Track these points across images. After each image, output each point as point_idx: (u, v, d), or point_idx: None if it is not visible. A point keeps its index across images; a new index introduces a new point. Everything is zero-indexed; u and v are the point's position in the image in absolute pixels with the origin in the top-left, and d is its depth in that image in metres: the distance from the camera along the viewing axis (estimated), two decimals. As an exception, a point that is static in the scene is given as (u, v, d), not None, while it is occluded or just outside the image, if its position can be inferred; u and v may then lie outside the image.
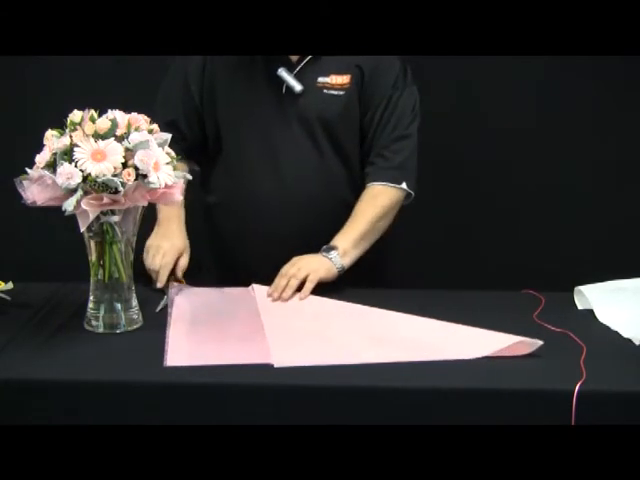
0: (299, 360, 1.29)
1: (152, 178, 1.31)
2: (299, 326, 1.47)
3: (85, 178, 1.27)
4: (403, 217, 1.87)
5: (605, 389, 1.22)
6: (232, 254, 1.89)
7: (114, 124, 1.31)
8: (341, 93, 1.78)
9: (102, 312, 1.42)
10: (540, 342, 1.32)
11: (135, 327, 1.44)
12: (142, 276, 1.69)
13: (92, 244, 1.40)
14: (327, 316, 1.53)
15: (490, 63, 2.16)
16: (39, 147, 1.33)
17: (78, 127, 1.30)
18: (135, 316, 1.45)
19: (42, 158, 1.32)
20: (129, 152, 1.30)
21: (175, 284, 1.69)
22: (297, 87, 1.75)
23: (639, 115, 2.34)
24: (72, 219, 1.33)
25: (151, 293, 1.64)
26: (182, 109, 1.83)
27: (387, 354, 1.32)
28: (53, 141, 1.31)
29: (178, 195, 1.39)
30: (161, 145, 1.36)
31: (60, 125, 1.33)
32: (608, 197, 2.38)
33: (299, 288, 1.62)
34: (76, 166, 1.27)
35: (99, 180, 1.27)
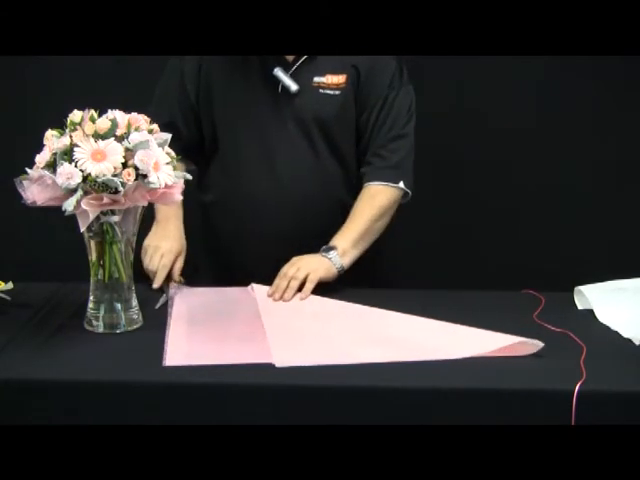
0: (300, 360, 1.29)
1: (152, 178, 1.31)
2: (300, 326, 1.47)
3: (85, 178, 1.27)
4: (403, 217, 1.87)
5: (605, 389, 1.22)
6: (228, 254, 1.89)
7: (114, 124, 1.31)
8: (337, 93, 1.78)
9: (102, 312, 1.42)
10: (541, 344, 1.32)
11: (135, 327, 1.44)
12: (142, 276, 1.69)
13: (92, 244, 1.40)
14: (328, 316, 1.53)
15: (490, 63, 2.16)
16: (39, 147, 1.33)
17: (78, 127, 1.30)
18: (135, 316, 1.45)
19: (42, 158, 1.32)
20: (129, 152, 1.30)
21: (174, 284, 1.69)
22: (293, 87, 1.75)
23: (639, 115, 2.34)
24: (72, 219, 1.33)
25: (151, 293, 1.64)
26: (178, 109, 1.83)
27: (387, 354, 1.32)
28: (53, 141, 1.31)
29: (178, 195, 1.39)
30: (161, 145, 1.36)
31: (60, 125, 1.33)
32: (608, 197, 2.38)
33: (299, 288, 1.62)
34: (76, 166, 1.27)
35: (99, 180, 1.27)
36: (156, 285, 1.67)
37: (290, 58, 1.77)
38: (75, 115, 1.32)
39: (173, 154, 1.38)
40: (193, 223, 1.88)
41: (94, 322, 1.42)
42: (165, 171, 1.33)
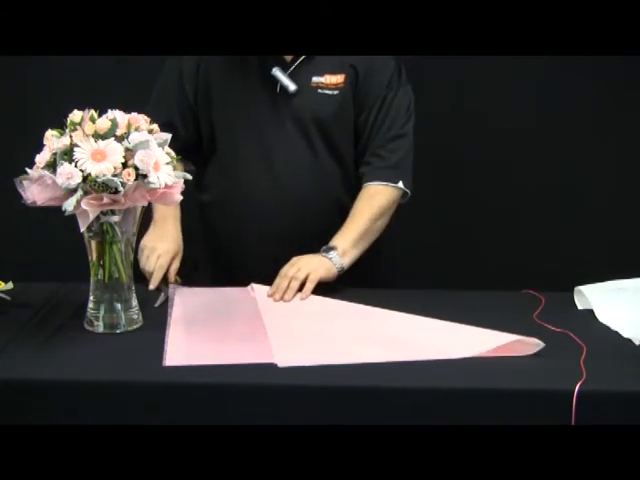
0: (302, 360, 1.29)
1: (152, 178, 1.31)
2: (301, 326, 1.47)
3: (85, 178, 1.27)
4: (403, 217, 1.87)
5: (605, 389, 1.22)
6: (227, 253, 1.89)
7: (114, 124, 1.31)
8: (335, 93, 1.78)
9: (102, 312, 1.42)
10: (541, 343, 1.32)
11: (135, 327, 1.44)
12: (142, 276, 1.69)
13: (92, 244, 1.40)
14: (328, 316, 1.53)
15: (490, 63, 2.16)
16: (39, 147, 1.33)
17: (78, 127, 1.30)
18: (135, 316, 1.45)
19: (42, 158, 1.32)
20: (129, 152, 1.30)
21: (172, 285, 1.69)
22: (291, 87, 1.75)
23: (639, 115, 2.34)
24: (72, 219, 1.33)
25: (151, 293, 1.64)
26: (176, 109, 1.83)
27: (388, 353, 1.32)
28: (53, 141, 1.31)
29: (178, 195, 1.39)
30: (161, 145, 1.36)
31: (60, 125, 1.33)
32: (608, 197, 2.38)
33: (299, 288, 1.62)
34: (76, 166, 1.27)
35: (99, 180, 1.27)
36: (152, 286, 1.67)
37: (288, 58, 1.77)
38: (75, 115, 1.32)
39: (173, 154, 1.38)
40: (191, 223, 1.88)
41: (94, 322, 1.42)
42: (165, 171, 1.33)
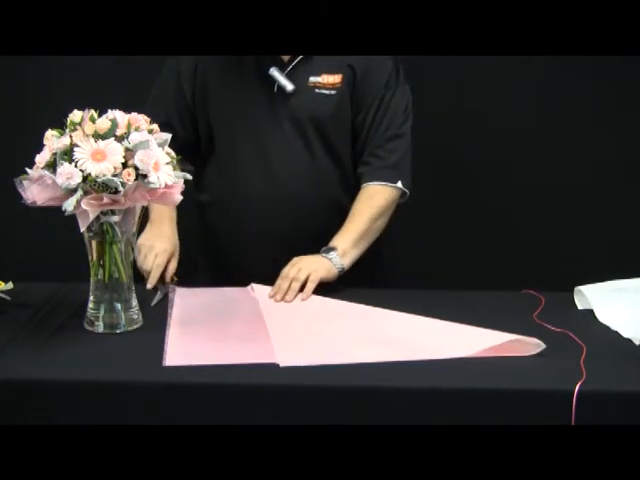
0: (304, 360, 1.29)
1: (152, 178, 1.31)
2: (302, 326, 1.47)
3: (85, 178, 1.27)
4: (403, 217, 1.87)
5: (605, 389, 1.22)
6: (225, 253, 1.89)
7: (114, 124, 1.31)
8: (332, 93, 1.79)
9: (102, 312, 1.42)
10: (542, 344, 1.32)
11: (135, 327, 1.44)
12: (141, 276, 1.69)
13: (92, 244, 1.40)
14: (329, 316, 1.53)
15: (490, 63, 2.16)
16: (39, 147, 1.33)
17: (78, 127, 1.30)
18: (135, 316, 1.45)
19: (42, 158, 1.32)
20: (129, 152, 1.30)
21: (169, 284, 1.69)
22: (289, 87, 1.75)
23: (639, 115, 2.34)
24: (72, 219, 1.33)
25: (149, 292, 1.64)
26: (174, 109, 1.83)
27: (388, 353, 1.32)
28: (53, 141, 1.31)
29: (178, 195, 1.39)
30: (161, 145, 1.36)
31: (60, 125, 1.33)
32: (608, 197, 2.38)
33: (300, 289, 1.62)
34: (76, 166, 1.27)
35: (99, 180, 1.27)
36: (150, 285, 1.67)
37: (286, 58, 1.78)
38: (75, 115, 1.32)
39: (173, 154, 1.38)
40: (190, 223, 1.88)
41: (94, 322, 1.42)
42: (165, 171, 1.33)
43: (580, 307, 1.62)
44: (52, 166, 1.31)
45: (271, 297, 1.61)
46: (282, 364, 1.28)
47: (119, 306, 1.43)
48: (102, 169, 1.27)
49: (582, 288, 1.64)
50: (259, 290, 1.65)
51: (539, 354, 1.32)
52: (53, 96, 2.17)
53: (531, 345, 1.33)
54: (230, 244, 1.88)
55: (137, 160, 1.29)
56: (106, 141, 1.29)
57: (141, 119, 1.36)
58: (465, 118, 2.34)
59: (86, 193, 1.29)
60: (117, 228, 1.38)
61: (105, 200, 1.30)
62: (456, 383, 1.23)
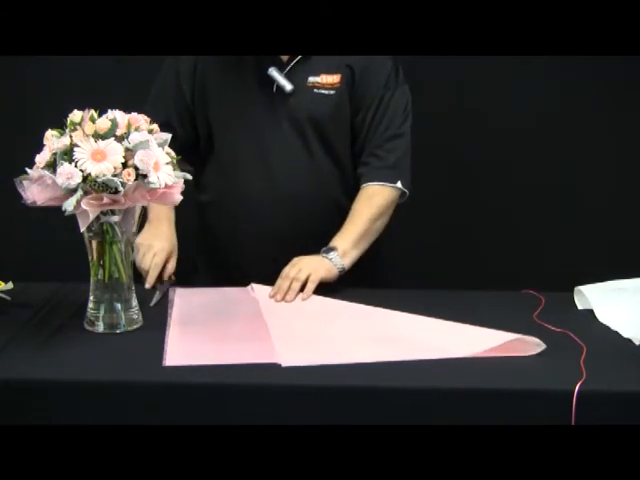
0: (305, 360, 1.29)
1: (152, 178, 1.31)
2: (303, 326, 1.47)
3: (85, 178, 1.27)
4: (403, 217, 1.87)
5: (605, 389, 1.22)
6: (224, 253, 1.89)
7: (114, 124, 1.31)
8: (331, 93, 1.79)
9: (102, 312, 1.42)
10: (542, 344, 1.32)
11: (135, 327, 1.44)
12: (140, 276, 1.69)
13: (92, 244, 1.40)
14: (330, 316, 1.53)
15: (490, 63, 2.16)
16: (39, 147, 1.33)
17: (78, 127, 1.30)
18: (135, 316, 1.45)
19: (42, 158, 1.32)
20: (129, 152, 1.30)
21: (167, 284, 1.69)
22: (287, 87, 1.75)
23: (639, 115, 2.34)
24: (72, 219, 1.33)
25: (148, 292, 1.64)
26: (174, 109, 1.83)
27: (388, 353, 1.32)
28: (53, 141, 1.31)
29: (178, 195, 1.39)
30: (161, 145, 1.36)
31: (60, 125, 1.33)
32: (608, 197, 2.38)
33: (301, 289, 1.62)
34: (76, 166, 1.27)
35: (99, 180, 1.27)
36: (148, 285, 1.67)
37: (285, 58, 1.78)
38: (75, 115, 1.32)
39: (173, 154, 1.38)
40: (189, 223, 1.88)
41: (94, 322, 1.42)
42: (165, 171, 1.33)
43: (580, 307, 1.62)
44: (52, 166, 1.31)
45: (271, 297, 1.61)
46: (284, 364, 1.28)
47: (119, 306, 1.43)
48: (102, 169, 1.27)
49: (582, 288, 1.64)
50: (259, 290, 1.65)
51: (539, 354, 1.32)
52: (53, 96, 2.17)
53: (531, 345, 1.33)
54: (229, 244, 1.88)
55: (137, 160, 1.29)
56: (106, 141, 1.29)
57: (141, 119, 1.36)
58: (465, 118, 2.34)
59: (86, 193, 1.29)
60: (117, 228, 1.38)
61: (105, 200, 1.30)
62: (456, 383, 1.23)
